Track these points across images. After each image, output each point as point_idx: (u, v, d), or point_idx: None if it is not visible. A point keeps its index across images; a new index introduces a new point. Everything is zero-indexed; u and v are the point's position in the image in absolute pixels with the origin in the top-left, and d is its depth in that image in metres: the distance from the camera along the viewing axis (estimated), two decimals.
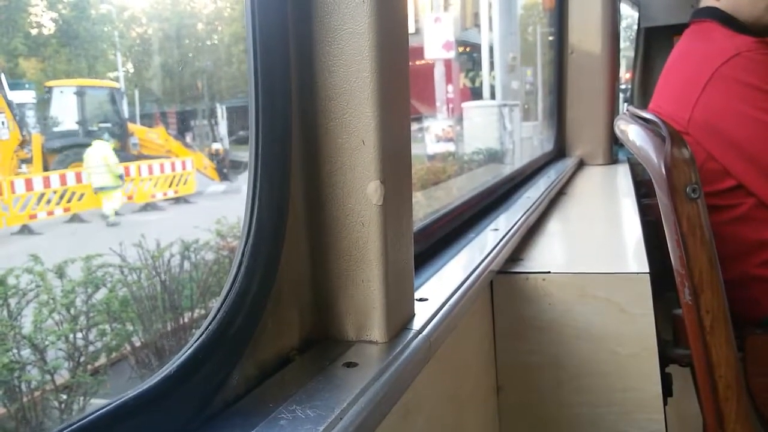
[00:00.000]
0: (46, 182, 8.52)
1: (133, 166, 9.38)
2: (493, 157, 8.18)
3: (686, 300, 0.87)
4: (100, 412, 0.44)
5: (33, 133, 9.82)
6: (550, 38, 2.65)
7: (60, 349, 3.14)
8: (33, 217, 8.11)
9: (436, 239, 1.07)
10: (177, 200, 10.15)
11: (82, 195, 8.73)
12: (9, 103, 9.11)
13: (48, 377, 3.00)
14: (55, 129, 10.50)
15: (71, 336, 3.19)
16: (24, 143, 9.33)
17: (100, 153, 9.04)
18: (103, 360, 3.37)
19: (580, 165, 2.40)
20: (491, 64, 11.04)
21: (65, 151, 10.10)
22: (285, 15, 0.60)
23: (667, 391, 1.05)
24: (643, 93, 3.00)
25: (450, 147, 10.79)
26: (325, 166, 0.63)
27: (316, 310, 0.66)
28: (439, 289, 0.82)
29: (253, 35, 0.56)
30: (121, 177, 8.89)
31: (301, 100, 0.62)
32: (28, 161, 9.40)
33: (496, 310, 1.07)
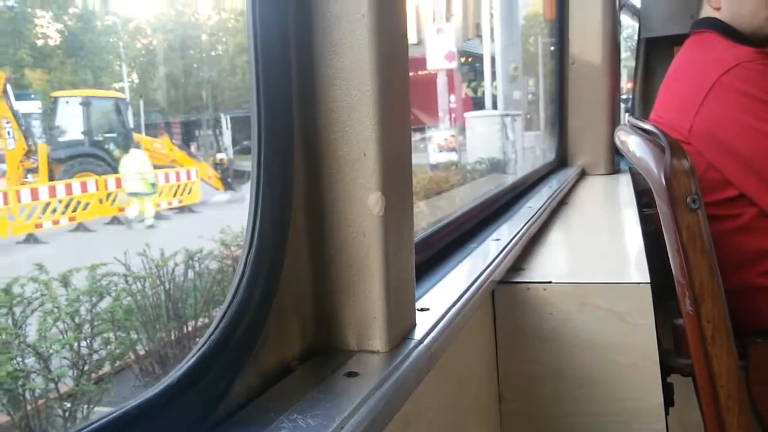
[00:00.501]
0: (52, 191, 8.57)
1: None
2: (496, 166, 8.20)
3: (687, 310, 0.87)
4: (102, 421, 0.44)
5: (39, 142, 9.89)
6: (552, 48, 2.66)
7: (64, 358, 3.15)
8: (39, 226, 8.15)
9: (437, 249, 1.07)
10: (181, 209, 10.19)
11: (87, 204, 8.78)
12: (15, 113, 9.19)
13: (52, 385, 3.00)
14: (61, 139, 10.57)
15: (75, 344, 3.19)
16: (30, 153, 9.41)
17: (137, 160, 9.16)
18: (107, 368, 3.37)
19: (582, 175, 2.40)
20: (493, 74, 11.08)
21: (71, 160, 10.17)
22: (286, 28, 0.61)
23: (668, 400, 1.04)
24: (644, 103, 3.01)
25: (452, 157, 10.82)
26: (327, 177, 0.64)
27: (317, 320, 0.66)
28: (440, 299, 0.82)
29: (255, 47, 0.57)
30: (153, 185, 9.00)
31: (303, 112, 0.63)
32: (33, 171, 9.47)
33: (498, 320, 1.07)
